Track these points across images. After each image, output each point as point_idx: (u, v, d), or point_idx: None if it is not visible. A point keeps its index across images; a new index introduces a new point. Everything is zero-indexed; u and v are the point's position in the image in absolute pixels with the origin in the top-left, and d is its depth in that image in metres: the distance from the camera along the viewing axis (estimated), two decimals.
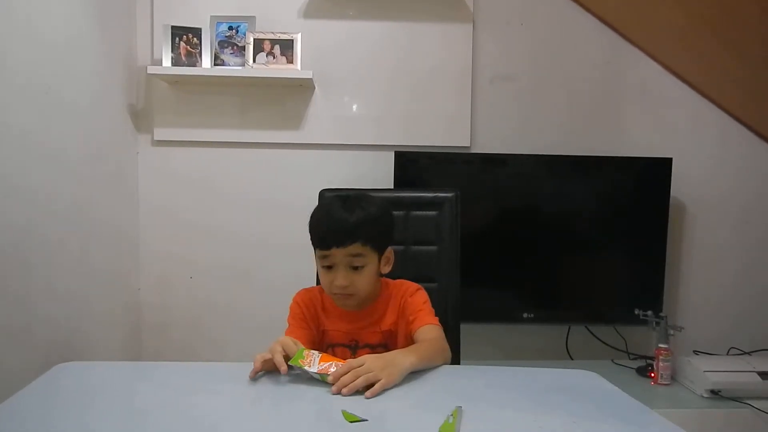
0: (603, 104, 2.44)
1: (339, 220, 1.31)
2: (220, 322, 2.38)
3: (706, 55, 2.41)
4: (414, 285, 1.44)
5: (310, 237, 1.37)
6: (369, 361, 1.11)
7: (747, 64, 2.41)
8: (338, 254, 1.30)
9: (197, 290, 2.37)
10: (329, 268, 1.32)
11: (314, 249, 1.36)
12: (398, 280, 1.46)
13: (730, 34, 2.41)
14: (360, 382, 1.06)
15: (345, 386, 1.05)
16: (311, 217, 1.39)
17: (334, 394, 1.05)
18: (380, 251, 1.36)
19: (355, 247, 1.30)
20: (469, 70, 2.37)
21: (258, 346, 2.42)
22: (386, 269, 1.40)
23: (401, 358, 1.16)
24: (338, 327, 1.40)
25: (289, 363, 1.13)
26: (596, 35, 2.41)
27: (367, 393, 1.05)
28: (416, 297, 1.40)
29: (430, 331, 1.33)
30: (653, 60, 2.41)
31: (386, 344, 1.39)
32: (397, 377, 1.11)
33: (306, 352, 1.14)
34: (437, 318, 1.39)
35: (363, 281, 1.33)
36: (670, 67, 2.41)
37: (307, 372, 1.11)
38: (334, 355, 1.36)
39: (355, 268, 1.31)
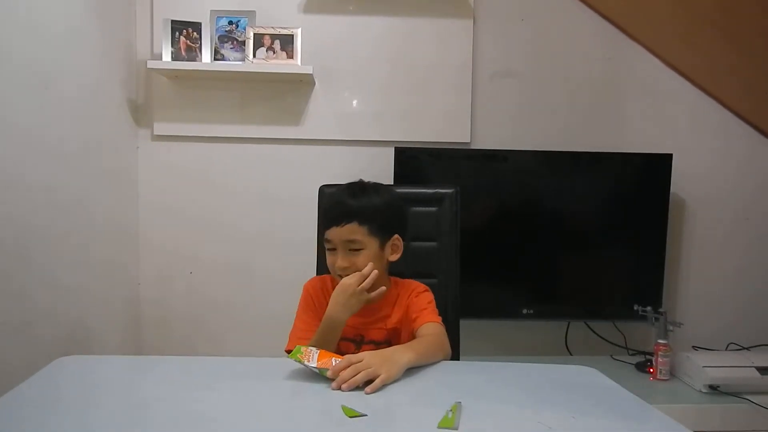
0: (603, 100, 2.43)
1: (340, 202, 1.38)
2: (219, 317, 2.39)
3: (707, 50, 2.41)
4: (422, 285, 1.46)
5: (322, 224, 1.45)
6: (368, 356, 1.11)
7: (748, 59, 2.41)
8: (336, 236, 1.35)
9: (197, 285, 2.38)
10: (333, 250, 1.37)
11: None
12: (407, 280, 1.48)
13: (731, 30, 2.40)
14: (360, 377, 1.06)
15: (345, 382, 1.06)
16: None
17: (334, 390, 1.06)
18: (381, 237, 1.37)
19: (351, 228, 1.33)
20: (470, 66, 2.37)
21: (257, 341, 2.44)
22: (394, 257, 1.41)
23: (400, 354, 1.17)
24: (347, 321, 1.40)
25: (288, 356, 1.13)
26: (597, 31, 2.40)
27: (367, 388, 1.05)
28: (421, 297, 1.42)
29: (430, 327, 1.34)
30: (654, 55, 2.41)
31: (390, 341, 1.39)
32: (397, 373, 1.11)
33: (304, 348, 1.14)
34: (440, 318, 1.39)
35: (362, 262, 1.34)
36: (671, 62, 2.41)
37: (306, 366, 1.11)
38: (339, 348, 1.37)
39: (353, 251, 1.35)
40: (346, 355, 1.12)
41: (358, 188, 1.41)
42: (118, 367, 1.26)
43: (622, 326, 2.43)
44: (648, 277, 2.32)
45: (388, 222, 1.40)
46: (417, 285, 1.45)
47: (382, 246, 1.38)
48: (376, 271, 1.31)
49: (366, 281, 1.29)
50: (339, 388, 1.06)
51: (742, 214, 2.47)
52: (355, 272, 1.33)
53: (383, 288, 1.33)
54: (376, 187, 1.42)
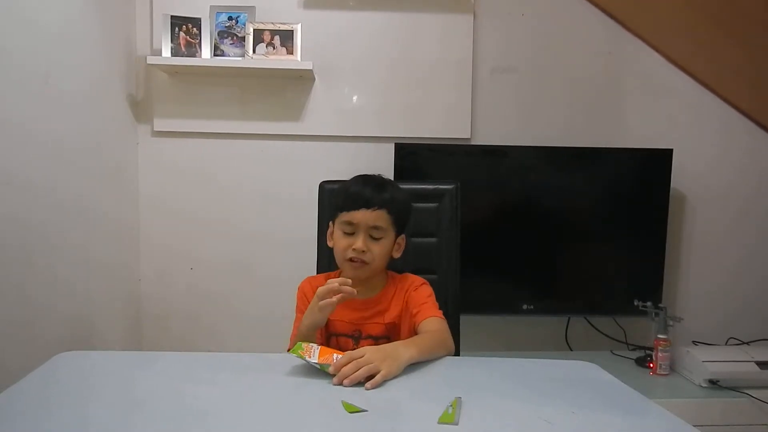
0: (604, 95, 2.43)
1: (372, 188, 1.38)
2: (219, 314, 2.39)
3: (708, 45, 2.40)
4: (419, 279, 1.46)
5: (336, 202, 1.42)
6: (370, 352, 1.11)
7: (749, 54, 2.40)
8: (363, 218, 1.35)
9: (197, 281, 2.38)
10: (351, 234, 1.37)
11: (336, 215, 1.40)
12: (403, 274, 1.48)
13: (733, 25, 2.39)
14: (361, 373, 1.06)
15: (346, 377, 1.06)
16: (340, 186, 1.46)
17: (335, 385, 1.06)
18: (397, 232, 1.41)
19: (381, 215, 1.36)
20: (470, 62, 2.36)
21: (257, 338, 2.45)
22: (397, 254, 1.44)
23: (402, 350, 1.17)
24: (342, 316, 1.40)
25: (289, 352, 1.13)
26: (598, 26, 2.40)
27: (368, 384, 1.05)
28: (421, 290, 1.42)
29: (433, 323, 1.34)
30: (655, 50, 2.40)
31: (389, 336, 1.39)
32: (398, 369, 1.11)
33: (305, 344, 1.14)
34: (441, 311, 1.39)
35: (379, 250, 1.37)
36: (672, 57, 2.40)
37: (308, 362, 1.11)
38: (338, 344, 1.37)
39: (374, 239, 1.36)
40: (348, 351, 1.12)
41: (381, 181, 1.43)
42: (117, 362, 1.26)
43: (622, 321, 2.43)
44: (648, 273, 2.33)
45: (407, 219, 1.44)
46: (414, 278, 1.46)
47: (394, 241, 1.41)
48: (344, 291, 1.25)
49: (335, 298, 1.24)
50: (340, 384, 1.06)
51: (743, 210, 2.47)
52: (370, 259, 1.35)
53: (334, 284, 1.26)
54: (394, 184, 1.45)
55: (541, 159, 2.32)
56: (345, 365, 1.08)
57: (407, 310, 1.40)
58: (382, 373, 1.07)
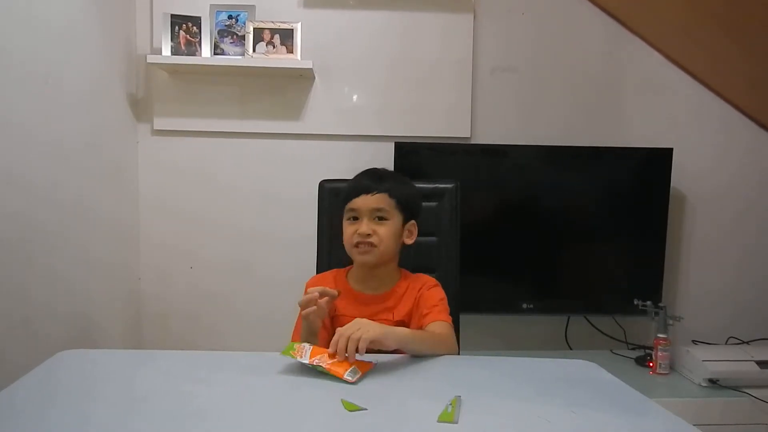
0: (604, 95, 2.43)
1: (370, 174, 1.44)
2: (219, 313, 2.39)
3: (708, 45, 2.40)
4: (432, 280, 1.46)
5: (342, 203, 1.44)
6: (355, 323, 1.14)
7: (750, 54, 2.40)
8: (363, 203, 1.37)
9: (197, 280, 2.38)
10: (355, 220, 1.39)
11: (344, 211, 1.42)
12: (417, 274, 1.48)
13: (733, 24, 2.39)
14: (351, 345, 1.09)
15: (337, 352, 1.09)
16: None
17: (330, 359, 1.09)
18: (404, 215, 1.42)
19: (382, 198, 1.38)
20: (470, 61, 2.36)
21: (257, 338, 2.44)
22: (409, 241, 1.45)
23: (395, 328, 1.20)
24: (351, 311, 1.39)
25: (281, 354, 1.13)
26: (598, 25, 2.40)
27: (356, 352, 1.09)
28: (433, 292, 1.42)
29: (440, 326, 1.34)
30: (655, 50, 2.40)
31: None
32: (380, 331, 1.13)
33: (297, 345, 1.14)
34: (451, 318, 1.39)
35: (385, 231, 1.37)
36: (672, 57, 2.40)
37: (300, 363, 1.11)
38: None
39: (379, 219, 1.38)
40: (338, 328, 1.14)
41: (383, 171, 1.47)
42: (118, 360, 1.26)
43: (621, 320, 2.43)
44: (648, 272, 2.33)
45: (414, 204, 1.45)
46: (428, 279, 1.46)
47: (403, 225, 1.42)
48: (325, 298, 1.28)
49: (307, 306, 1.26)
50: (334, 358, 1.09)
51: (743, 210, 2.47)
52: (377, 242, 1.36)
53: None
54: (396, 173, 1.50)
55: (541, 159, 2.32)
56: (336, 342, 1.10)
57: (417, 309, 1.40)
58: (363, 338, 1.09)
